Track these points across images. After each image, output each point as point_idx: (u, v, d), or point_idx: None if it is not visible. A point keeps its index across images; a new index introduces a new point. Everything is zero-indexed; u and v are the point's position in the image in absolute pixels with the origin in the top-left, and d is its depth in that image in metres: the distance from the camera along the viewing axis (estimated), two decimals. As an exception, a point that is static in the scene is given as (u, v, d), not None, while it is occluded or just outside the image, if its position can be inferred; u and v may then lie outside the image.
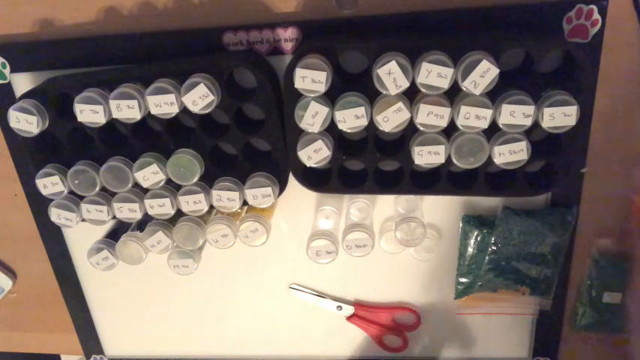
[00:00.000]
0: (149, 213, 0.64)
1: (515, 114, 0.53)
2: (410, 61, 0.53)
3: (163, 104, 0.57)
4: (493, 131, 0.56)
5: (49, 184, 0.63)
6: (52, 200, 0.65)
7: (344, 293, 0.77)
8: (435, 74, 0.52)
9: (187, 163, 0.62)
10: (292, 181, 0.64)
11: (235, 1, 0.61)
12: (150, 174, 0.61)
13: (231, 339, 0.83)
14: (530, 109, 0.53)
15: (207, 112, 0.58)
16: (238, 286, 0.79)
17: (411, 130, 0.57)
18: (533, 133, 0.56)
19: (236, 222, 0.66)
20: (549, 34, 0.57)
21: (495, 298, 0.72)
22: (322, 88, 0.55)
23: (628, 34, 0.58)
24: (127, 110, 0.58)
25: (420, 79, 0.53)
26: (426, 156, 0.57)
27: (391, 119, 0.56)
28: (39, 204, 0.75)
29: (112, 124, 0.62)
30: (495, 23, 0.58)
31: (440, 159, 0.57)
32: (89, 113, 0.58)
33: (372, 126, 0.57)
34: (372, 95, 0.56)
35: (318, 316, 0.79)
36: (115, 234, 0.71)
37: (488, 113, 0.53)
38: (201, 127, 0.62)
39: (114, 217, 0.66)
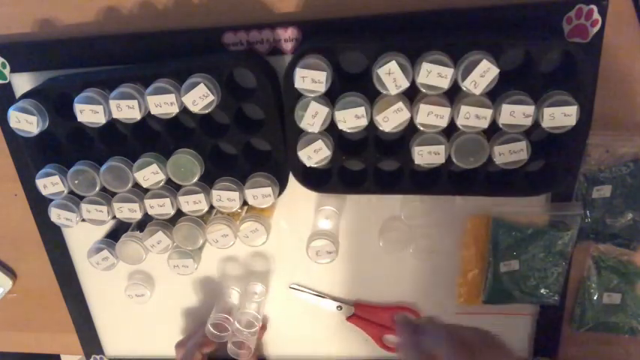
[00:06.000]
0: (149, 213, 0.64)
1: (515, 114, 0.53)
2: (410, 61, 0.53)
3: (163, 104, 0.57)
4: (493, 131, 0.56)
5: (49, 184, 0.63)
6: (52, 200, 0.65)
7: (344, 293, 0.77)
8: (435, 74, 0.52)
9: (187, 163, 0.61)
10: (292, 181, 0.64)
11: (235, 1, 0.61)
12: (150, 174, 0.61)
13: (231, 339, 0.83)
14: (530, 109, 0.53)
15: (207, 112, 0.58)
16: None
17: (411, 130, 0.57)
18: (533, 133, 0.56)
19: (236, 222, 0.66)
20: (549, 34, 0.57)
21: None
22: (322, 88, 0.55)
23: (628, 34, 0.58)
24: (127, 110, 0.58)
25: (420, 79, 0.53)
26: (426, 156, 0.57)
27: (391, 119, 0.56)
28: (39, 204, 0.75)
29: (112, 124, 0.62)
30: (495, 23, 0.58)
31: (440, 159, 0.57)
32: (89, 113, 0.58)
33: (372, 126, 0.57)
34: (372, 95, 0.56)
35: (318, 316, 0.79)
36: (115, 234, 0.71)
37: (488, 113, 0.53)
38: (201, 127, 0.62)
39: (114, 217, 0.66)
